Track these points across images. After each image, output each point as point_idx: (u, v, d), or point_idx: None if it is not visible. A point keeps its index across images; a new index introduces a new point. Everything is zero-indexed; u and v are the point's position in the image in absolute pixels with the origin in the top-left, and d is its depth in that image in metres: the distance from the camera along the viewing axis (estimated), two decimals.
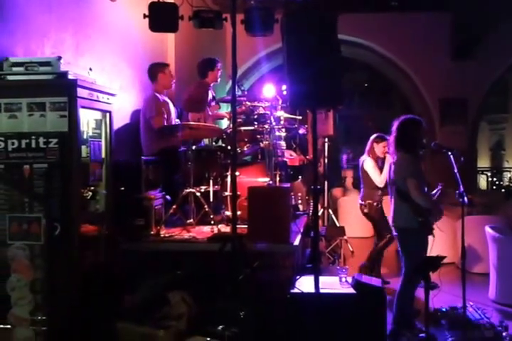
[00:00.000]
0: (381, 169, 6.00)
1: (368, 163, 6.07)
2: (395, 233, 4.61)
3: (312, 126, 3.69)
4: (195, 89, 5.82)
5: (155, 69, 5.56)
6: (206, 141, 5.60)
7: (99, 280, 3.53)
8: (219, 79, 6.21)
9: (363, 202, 6.11)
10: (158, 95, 5.44)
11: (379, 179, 5.92)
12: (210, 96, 6.00)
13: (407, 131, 4.51)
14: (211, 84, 6.09)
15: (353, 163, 8.07)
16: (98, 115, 3.74)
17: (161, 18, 3.99)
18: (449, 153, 4.54)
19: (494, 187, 14.98)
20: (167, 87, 5.61)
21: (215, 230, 4.42)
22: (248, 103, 5.06)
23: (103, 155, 3.77)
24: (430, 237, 4.41)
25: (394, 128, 4.56)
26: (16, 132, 3.26)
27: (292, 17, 3.51)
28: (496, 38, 10.20)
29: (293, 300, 3.41)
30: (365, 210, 6.09)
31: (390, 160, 5.79)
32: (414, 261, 4.26)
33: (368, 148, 6.18)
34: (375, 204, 6.02)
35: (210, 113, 5.97)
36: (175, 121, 5.53)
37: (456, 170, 4.52)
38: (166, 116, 5.37)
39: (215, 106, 6.05)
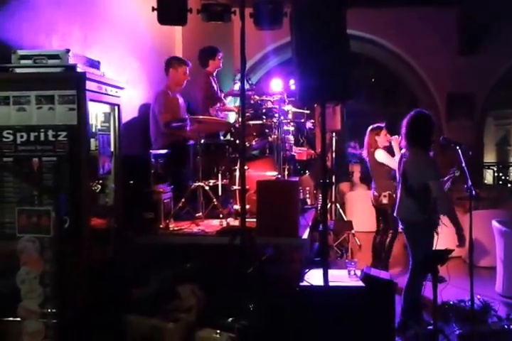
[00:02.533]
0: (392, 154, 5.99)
1: (379, 154, 6.03)
2: (400, 226, 4.62)
3: (321, 120, 3.68)
4: (203, 88, 5.87)
5: (168, 63, 5.56)
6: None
7: (109, 273, 3.54)
8: (221, 66, 6.21)
9: (382, 193, 6.01)
10: (168, 91, 5.44)
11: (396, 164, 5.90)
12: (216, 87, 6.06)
13: (418, 125, 4.49)
14: (214, 73, 6.12)
15: (359, 156, 8.07)
16: (106, 108, 3.73)
17: (169, 11, 3.99)
18: (458, 147, 4.53)
19: (500, 182, 14.94)
20: (177, 84, 5.59)
21: (224, 224, 4.44)
22: (256, 97, 5.06)
23: (112, 148, 3.77)
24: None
25: (405, 122, 4.54)
26: (25, 125, 3.25)
27: (301, 11, 3.50)
28: (503, 33, 10.13)
29: (302, 293, 3.41)
30: (385, 201, 5.98)
31: (397, 141, 5.78)
32: (421, 253, 4.28)
33: (369, 142, 6.13)
34: (394, 195, 5.97)
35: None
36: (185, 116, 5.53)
37: (464, 165, 4.51)
38: (175, 112, 5.37)
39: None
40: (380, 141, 6.07)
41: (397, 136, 5.83)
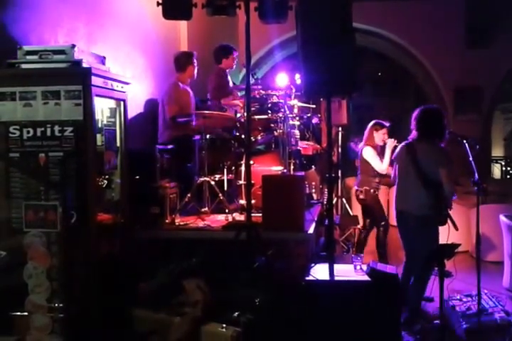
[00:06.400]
0: (381, 155, 5.98)
1: (366, 151, 6.02)
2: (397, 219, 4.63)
3: (327, 114, 3.67)
4: (216, 77, 5.96)
5: (185, 61, 5.56)
6: None
7: (115, 268, 3.56)
8: (234, 66, 6.25)
9: (360, 188, 6.09)
10: (180, 84, 5.46)
11: (382, 166, 5.87)
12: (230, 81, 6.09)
13: (430, 121, 4.52)
14: (227, 70, 6.16)
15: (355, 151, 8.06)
16: (112, 103, 3.75)
17: (174, 6, 3.98)
18: (464, 141, 4.51)
19: (508, 177, 14.86)
20: (192, 77, 5.64)
21: (230, 218, 4.45)
22: (262, 91, 5.05)
23: (118, 143, 3.79)
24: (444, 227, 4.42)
25: (415, 117, 4.55)
26: (31, 120, 3.27)
27: (306, 4, 3.49)
28: (511, 26, 10.06)
29: (308, 288, 3.41)
30: (361, 196, 6.07)
31: (392, 145, 5.77)
32: (428, 249, 4.26)
33: (366, 136, 6.12)
34: (371, 190, 5.99)
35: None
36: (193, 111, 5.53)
37: (471, 159, 4.49)
38: (184, 105, 5.39)
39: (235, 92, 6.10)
40: (376, 138, 6.04)
41: (393, 139, 5.82)
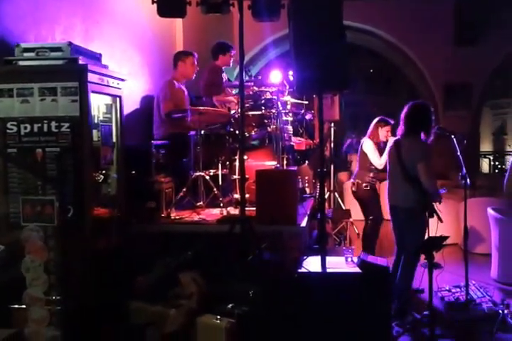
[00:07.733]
0: (382, 151, 6.04)
1: (367, 144, 6.07)
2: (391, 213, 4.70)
3: (318, 110, 3.74)
4: (209, 74, 6.00)
5: (176, 57, 5.64)
6: None
7: (112, 261, 3.60)
8: (231, 64, 6.29)
9: (353, 181, 6.17)
10: (174, 82, 5.50)
11: (378, 161, 5.93)
12: (224, 78, 6.12)
13: (417, 116, 4.60)
14: (222, 67, 6.20)
15: (356, 147, 8.06)
16: (108, 100, 3.79)
17: (169, 4, 4.03)
18: (452, 136, 4.61)
19: (496, 171, 15.02)
20: (187, 76, 5.69)
21: (224, 212, 4.51)
22: (255, 88, 5.11)
23: (114, 139, 3.84)
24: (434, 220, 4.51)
25: (404, 111, 4.63)
26: (28, 117, 3.31)
27: (298, 2, 3.55)
28: (500, 22, 10.14)
29: (300, 280, 3.47)
30: (353, 188, 6.14)
31: (391, 143, 5.85)
32: (415, 241, 4.35)
33: (370, 130, 6.19)
34: (363, 185, 6.02)
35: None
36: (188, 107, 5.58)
37: (458, 153, 4.59)
38: (178, 102, 5.43)
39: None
40: (380, 134, 6.11)
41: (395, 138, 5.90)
